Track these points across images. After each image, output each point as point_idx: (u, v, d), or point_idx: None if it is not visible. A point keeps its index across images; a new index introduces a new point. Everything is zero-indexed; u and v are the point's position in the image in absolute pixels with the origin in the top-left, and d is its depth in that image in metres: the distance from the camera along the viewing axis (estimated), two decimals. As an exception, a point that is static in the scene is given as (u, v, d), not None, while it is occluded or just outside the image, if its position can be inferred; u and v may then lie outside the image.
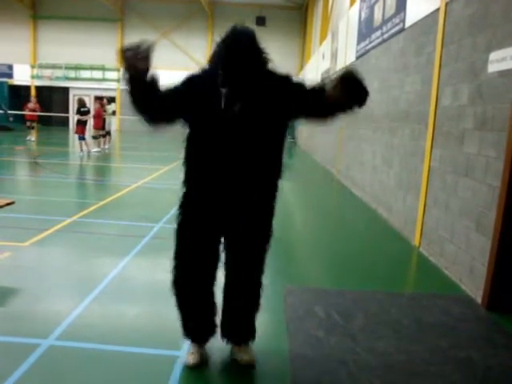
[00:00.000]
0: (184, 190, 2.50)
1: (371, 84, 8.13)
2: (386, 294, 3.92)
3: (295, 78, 2.50)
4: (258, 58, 2.38)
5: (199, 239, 2.48)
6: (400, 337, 3.13)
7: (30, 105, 18.99)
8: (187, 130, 2.45)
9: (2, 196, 7.04)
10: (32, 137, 17.75)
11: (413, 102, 5.91)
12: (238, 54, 2.26)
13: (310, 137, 18.51)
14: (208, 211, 2.44)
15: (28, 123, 18.39)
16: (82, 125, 14.05)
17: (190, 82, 2.42)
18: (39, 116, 19.59)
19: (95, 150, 14.24)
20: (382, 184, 7.15)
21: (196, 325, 2.65)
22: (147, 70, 2.22)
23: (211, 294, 2.63)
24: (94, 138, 14.63)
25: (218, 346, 2.79)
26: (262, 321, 3.36)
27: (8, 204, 4.50)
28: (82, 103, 14.46)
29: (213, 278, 2.59)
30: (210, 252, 2.53)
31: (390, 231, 6.19)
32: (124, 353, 2.79)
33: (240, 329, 2.71)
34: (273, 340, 3.06)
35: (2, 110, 11.66)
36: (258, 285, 2.66)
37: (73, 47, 26.77)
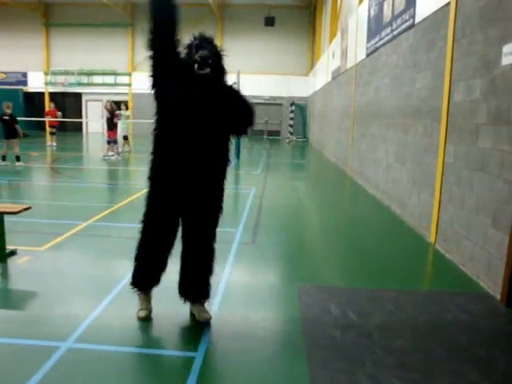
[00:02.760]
0: (151, 162, 3.02)
1: (382, 81, 8.10)
2: (402, 291, 3.89)
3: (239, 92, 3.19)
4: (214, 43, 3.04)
5: (162, 208, 3.02)
6: (417, 335, 3.10)
7: (50, 111, 19.40)
8: (158, 108, 2.99)
9: (19, 202, 7.16)
10: (53, 142, 18.10)
11: (425, 98, 5.85)
12: (206, 38, 2.99)
13: (322, 136, 18.46)
14: (170, 185, 2.96)
15: (50, 129, 18.83)
16: (113, 129, 14.20)
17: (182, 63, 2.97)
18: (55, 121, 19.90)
19: (111, 154, 14.33)
20: (395, 181, 7.10)
21: (148, 275, 3.19)
22: None
23: (167, 254, 3.14)
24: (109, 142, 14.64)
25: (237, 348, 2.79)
26: (277, 319, 3.38)
27: (25, 209, 4.57)
28: (113, 108, 14.49)
29: (171, 242, 3.12)
30: (170, 220, 3.06)
31: (404, 228, 6.14)
32: (141, 354, 2.82)
33: (196, 288, 3.18)
34: (288, 339, 3.06)
35: (18, 131, 12.00)
36: (210, 250, 3.16)
37: (85, 53, 27.09)
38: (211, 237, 3.17)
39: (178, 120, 2.90)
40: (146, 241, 3.14)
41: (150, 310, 3.26)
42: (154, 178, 3.04)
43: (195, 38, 2.97)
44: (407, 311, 3.48)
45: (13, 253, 4.57)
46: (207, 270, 3.18)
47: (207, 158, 2.96)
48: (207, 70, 2.86)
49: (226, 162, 3.10)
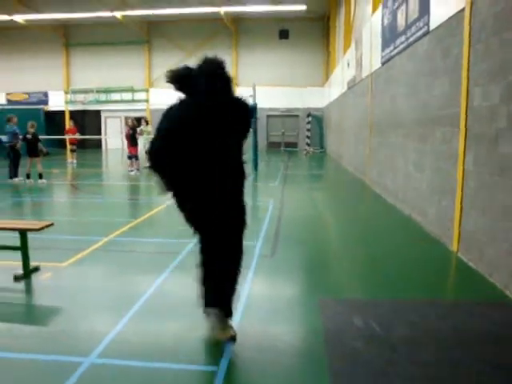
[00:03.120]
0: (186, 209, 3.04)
1: (398, 89, 8.05)
2: (426, 301, 3.83)
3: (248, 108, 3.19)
4: (228, 78, 2.99)
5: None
6: (443, 346, 3.03)
7: (70, 129, 19.83)
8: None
9: (42, 218, 7.29)
10: (74, 160, 18.47)
11: (442, 105, 5.80)
12: (218, 74, 2.92)
13: (339, 146, 18.40)
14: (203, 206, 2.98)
15: (70, 147, 19.28)
16: (134, 145, 14.40)
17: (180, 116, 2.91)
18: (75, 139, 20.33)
19: (130, 169, 14.49)
20: (415, 189, 7.02)
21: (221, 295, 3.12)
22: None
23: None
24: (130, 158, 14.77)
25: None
26: (299, 333, 3.34)
27: (47, 226, 4.65)
28: (135, 125, 14.71)
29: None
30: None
31: (425, 237, 6.05)
32: (164, 369, 2.82)
33: (224, 296, 3.16)
34: (311, 352, 3.02)
35: (42, 149, 12.38)
36: (238, 259, 3.24)
37: (103, 71, 27.66)
38: (240, 246, 3.21)
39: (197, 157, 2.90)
40: (209, 261, 3.13)
41: (231, 328, 3.17)
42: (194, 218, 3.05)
43: (201, 69, 2.94)
44: (431, 322, 3.42)
45: (36, 269, 4.64)
46: (232, 279, 3.17)
47: (228, 175, 2.99)
48: (216, 100, 2.91)
49: (243, 173, 3.13)
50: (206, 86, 2.88)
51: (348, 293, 4.18)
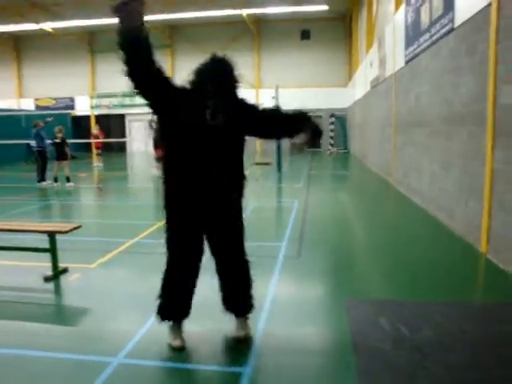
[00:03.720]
0: (163, 190, 2.94)
1: (423, 88, 7.93)
2: (454, 304, 3.75)
3: (250, 101, 3.04)
4: (235, 78, 2.87)
5: (184, 234, 2.96)
6: (473, 350, 2.97)
7: (94, 132, 20.28)
8: (166, 135, 2.92)
9: (70, 221, 7.45)
10: (100, 163, 18.84)
11: (468, 103, 5.69)
12: (224, 72, 2.81)
13: (363, 147, 18.24)
14: (188, 209, 2.90)
15: (96, 151, 19.73)
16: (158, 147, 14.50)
17: (184, 90, 2.88)
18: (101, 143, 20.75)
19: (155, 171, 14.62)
20: (441, 189, 6.90)
21: (177, 304, 3.09)
22: (142, 22, 2.73)
23: (194, 281, 3.08)
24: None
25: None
26: (325, 333, 3.33)
27: (75, 228, 4.75)
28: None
29: (196, 267, 3.07)
30: (193, 245, 3.01)
31: (452, 238, 5.94)
32: (190, 370, 2.85)
33: (239, 302, 3.17)
34: (338, 353, 3.01)
35: (72, 156, 12.76)
36: (243, 263, 3.14)
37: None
38: (240, 251, 3.13)
39: (189, 143, 2.83)
40: (171, 269, 3.06)
41: (183, 339, 3.12)
42: (169, 204, 2.97)
43: (206, 68, 2.84)
44: (460, 324, 3.35)
45: (65, 270, 4.75)
46: (245, 282, 3.16)
47: (220, 175, 2.88)
48: (220, 120, 2.77)
49: (240, 177, 3.03)
50: (212, 85, 2.77)
51: (374, 293, 4.14)
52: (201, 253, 3.07)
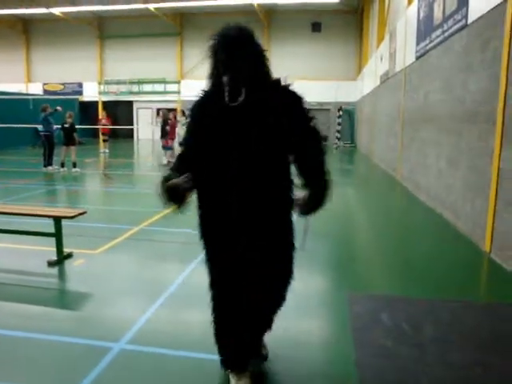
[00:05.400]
0: (198, 217, 2.43)
1: (433, 84, 7.87)
2: (457, 302, 3.75)
3: (306, 106, 2.35)
4: (253, 43, 2.27)
5: (223, 266, 2.38)
6: (475, 348, 2.97)
7: (102, 120, 20.36)
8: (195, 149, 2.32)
9: (75, 206, 7.48)
10: (106, 149, 18.97)
11: (479, 101, 5.64)
12: (234, 37, 2.19)
13: (370, 141, 18.15)
14: (220, 236, 2.34)
15: (103, 137, 19.91)
16: (165, 136, 14.45)
17: (193, 112, 2.34)
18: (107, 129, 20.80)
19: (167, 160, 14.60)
20: (447, 187, 6.86)
21: (234, 352, 2.49)
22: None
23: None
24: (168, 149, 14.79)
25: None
26: (327, 328, 3.34)
27: (80, 214, 4.78)
28: (167, 116, 14.70)
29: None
30: (237, 278, 2.36)
31: (457, 236, 5.92)
32: (192, 358, 2.86)
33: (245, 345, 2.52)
34: (339, 349, 3.01)
35: (79, 142, 12.80)
36: (277, 301, 2.57)
37: (135, 63, 28.04)
38: (272, 304, 2.55)
39: (215, 157, 2.25)
40: (218, 311, 2.48)
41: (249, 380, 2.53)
42: (205, 234, 2.42)
43: (217, 40, 2.21)
44: (464, 323, 3.35)
45: (69, 255, 4.78)
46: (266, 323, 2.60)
47: (257, 199, 2.26)
48: (241, 98, 2.16)
49: (285, 200, 2.40)
50: (224, 67, 2.16)
51: (376, 289, 4.14)
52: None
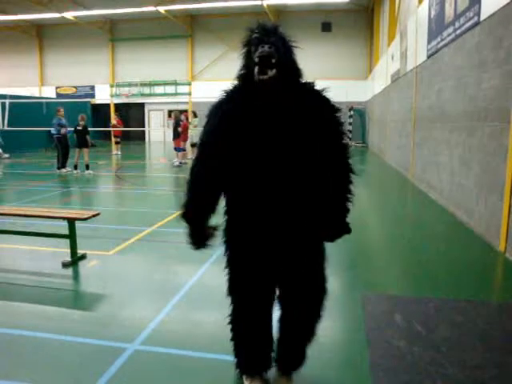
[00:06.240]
0: (225, 220, 2.34)
1: (445, 83, 7.80)
2: (471, 302, 3.71)
3: (340, 117, 2.29)
4: (287, 39, 2.25)
5: (249, 278, 2.32)
6: (490, 349, 2.94)
7: (113, 121, 20.57)
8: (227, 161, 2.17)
9: (89, 208, 7.56)
10: (118, 151, 19.12)
11: (492, 99, 5.58)
12: (272, 25, 2.17)
13: (381, 141, 18.05)
14: (252, 248, 2.25)
15: (115, 139, 20.10)
16: (177, 138, 14.50)
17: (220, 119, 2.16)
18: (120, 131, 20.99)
19: (175, 160, 14.70)
20: (460, 187, 6.80)
21: (252, 359, 2.50)
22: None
23: (268, 329, 2.48)
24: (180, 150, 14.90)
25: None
26: (340, 329, 3.33)
27: (94, 215, 4.82)
28: (179, 117, 14.69)
29: (268, 314, 2.43)
30: (260, 289, 2.34)
31: (471, 236, 5.86)
32: (205, 359, 2.87)
33: (289, 359, 2.54)
34: (352, 349, 3.01)
35: (92, 144, 12.95)
36: (312, 325, 2.46)
37: (147, 65, 28.24)
38: (314, 315, 2.45)
39: (246, 164, 2.14)
40: (239, 318, 2.46)
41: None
42: (231, 240, 2.36)
43: (253, 31, 2.13)
44: (478, 323, 3.32)
45: (83, 256, 4.83)
46: (307, 338, 2.50)
47: (292, 207, 2.17)
48: (272, 73, 2.03)
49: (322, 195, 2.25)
50: (258, 40, 2.07)
51: (390, 289, 4.11)
52: (270, 298, 2.41)
